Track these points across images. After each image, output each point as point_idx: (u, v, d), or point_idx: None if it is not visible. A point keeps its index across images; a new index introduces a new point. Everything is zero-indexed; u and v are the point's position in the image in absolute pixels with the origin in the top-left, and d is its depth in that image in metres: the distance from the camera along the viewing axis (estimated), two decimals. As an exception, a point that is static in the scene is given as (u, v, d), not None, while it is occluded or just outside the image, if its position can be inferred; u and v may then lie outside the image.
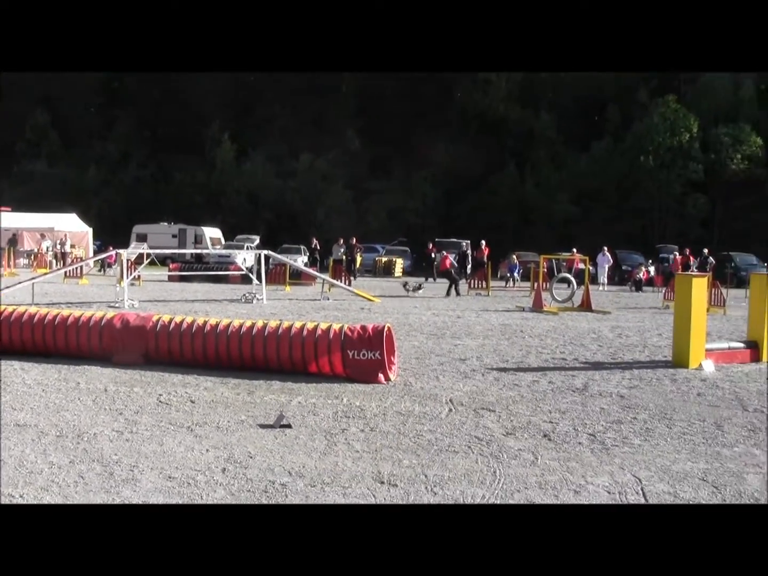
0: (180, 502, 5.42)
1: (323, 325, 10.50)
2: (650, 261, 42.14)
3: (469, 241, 42.34)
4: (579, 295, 23.85)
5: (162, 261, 38.85)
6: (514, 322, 18.57)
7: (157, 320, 11.04)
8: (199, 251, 35.12)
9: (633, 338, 15.86)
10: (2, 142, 64.66)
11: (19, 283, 21.81)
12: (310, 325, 10.50)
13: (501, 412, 8.53)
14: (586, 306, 22.86)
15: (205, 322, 10.85)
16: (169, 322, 10.94)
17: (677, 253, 38.49)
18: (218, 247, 46.73)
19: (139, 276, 27.61)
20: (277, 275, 30.00)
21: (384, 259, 45.66)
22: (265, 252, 25.65)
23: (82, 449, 6.67)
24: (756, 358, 12.84)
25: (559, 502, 5.56)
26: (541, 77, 63.75)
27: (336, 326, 10.46)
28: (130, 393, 9.08)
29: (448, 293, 27.30)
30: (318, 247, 39.99)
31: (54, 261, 40.63)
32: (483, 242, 37.54)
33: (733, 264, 41.82)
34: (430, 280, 37.23)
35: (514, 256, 36.56)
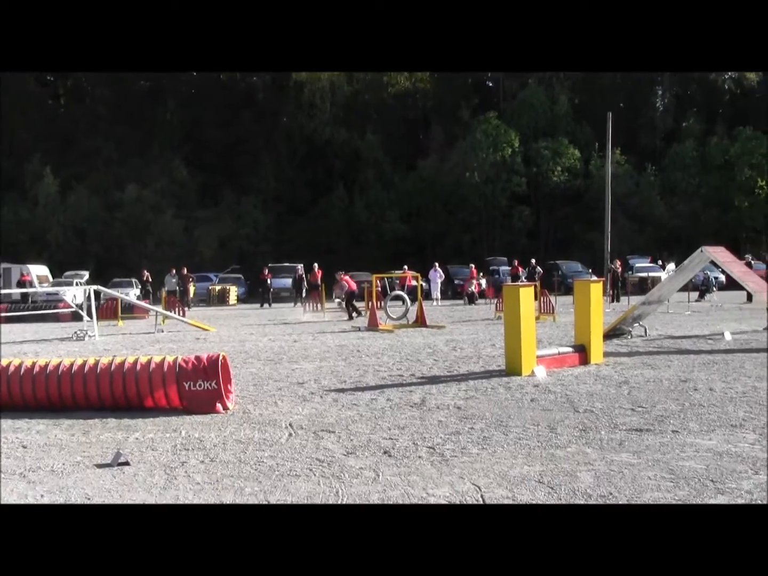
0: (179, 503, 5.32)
1: (157, 358, 10.35)
2: (481, 273, 43.31)
3: (302, 265, 42.50)
4: (413, 311, 24.26)
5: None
6: (351, 342, 18.75)
7: (-18, 365, 10.62)
8: (25, 290, 33.88)
9: (467, 350, 16.26)
10: None
11: None
12: (143, 359, 10.33)
13: (341, 433, 8.61)
14: (420, 322, 23.28)
15: (34, 363, 10.50)
16: (-4, 366, 10.56)
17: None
18: (46, 284, 45.18)
19: (-40, 320, 26.47)
20: (108, 310, 29.24)
21: (217, 287, 45.24)
22: (95, 287, 25.00)
23: None
24: (584, 361, 13.41)
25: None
26: (365, 99, 64.81)
27: (170, 358, 10.32)
28: (-43, 442, 8.72)
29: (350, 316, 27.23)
30: (149, 279, 39.22)
31: None
32: (315, 265, 37.75)
33: (560, 272, 43.51)
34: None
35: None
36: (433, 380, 12.31)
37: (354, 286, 27.65)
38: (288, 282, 42.37)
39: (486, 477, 6.62)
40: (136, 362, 10.23)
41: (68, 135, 64.30)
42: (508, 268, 42.79)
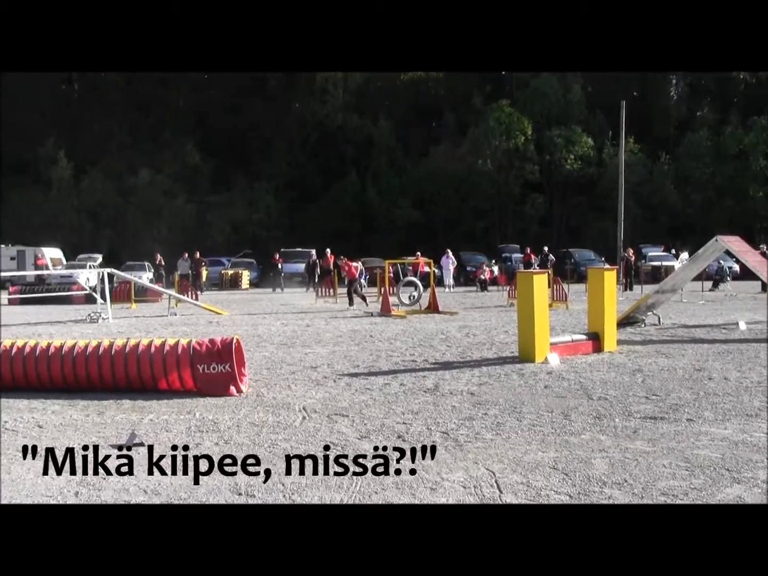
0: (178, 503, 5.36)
1: (171, 341, 10.38)
2: (493, 261, 43.25)
3: (315, 250, 42.49)
4: (426, 297, 24.25)
5: (1, 284, 37.44)
6: (364, 327, 18.76)
7: (-3, 345, 10.67)
8: (39, 272, 33.91)
9: (480, 337, 16.25)
10: None
11: None
12: (157, 342, 10.35)
13: (354, 417, 8.62)
14: (433, 308, 23.27)
15: (49, 345, 10.54)
16: (11, 346, 10.58)
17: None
18: (60, 267, 45.30)
19: (-25, 301, 26.57)
20: (122, 293, 29.36)
21: (230, 271, 45.30)
22: (108, 270, 25.07)
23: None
24: (598, 348, 13.38)
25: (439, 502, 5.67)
26: (378, 85, 64.68)
27: (184, 341, 10.35)
28: (-27, 422, 8.76)
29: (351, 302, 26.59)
30: (162, 263, 39.31)
31: None
32: (328, 250, 37.75)
33: (572, 260, 43.37)
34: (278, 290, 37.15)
35: (360, 263, 36.85)
36: (446, 366, 12.31)
37: (355, 273, 27.14)
38: (300, 267, 42.40)
39: (500, 462, 6.62)
40: (150, 344, 10.25)
41: (81, 120, 64.35)
42: (520, 255, 42.76)
